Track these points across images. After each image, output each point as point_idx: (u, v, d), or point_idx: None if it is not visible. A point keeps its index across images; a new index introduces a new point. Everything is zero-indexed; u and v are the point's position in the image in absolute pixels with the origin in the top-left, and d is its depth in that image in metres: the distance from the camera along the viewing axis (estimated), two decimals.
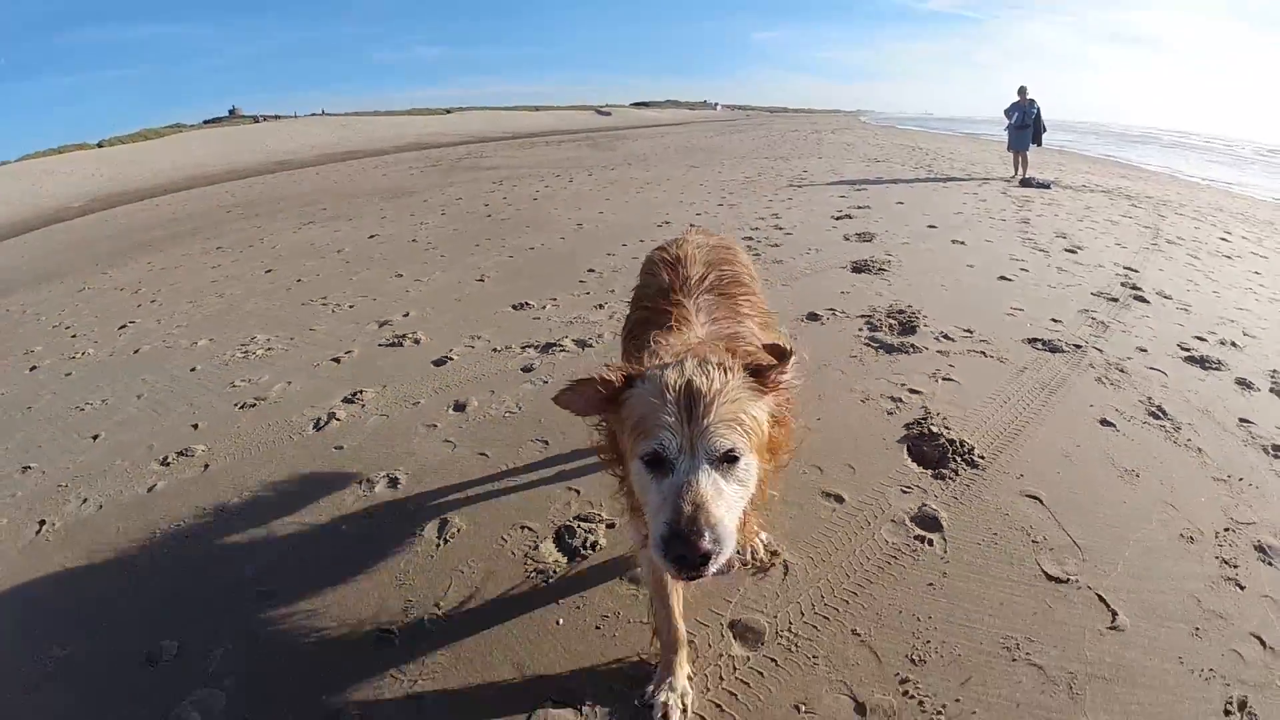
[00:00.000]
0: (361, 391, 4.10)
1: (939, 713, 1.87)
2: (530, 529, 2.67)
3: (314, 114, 58.94)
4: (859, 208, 9.56)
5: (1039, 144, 14.03)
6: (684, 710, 1.88)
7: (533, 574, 2.44)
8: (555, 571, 2.43)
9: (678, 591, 1.93)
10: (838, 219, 8.71)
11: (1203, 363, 4.36)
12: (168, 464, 3.55)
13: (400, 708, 1.95)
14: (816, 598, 2.28)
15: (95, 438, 4.08)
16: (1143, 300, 5.64)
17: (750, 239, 7.63)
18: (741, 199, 10.78)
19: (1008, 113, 13.94)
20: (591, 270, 6.33)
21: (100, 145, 43.84)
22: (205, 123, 56.73)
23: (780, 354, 1.51)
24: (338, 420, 3.76)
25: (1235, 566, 2.49)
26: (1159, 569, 2.45)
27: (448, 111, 60.55)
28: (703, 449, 1.36)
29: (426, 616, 2.26)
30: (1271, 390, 4.05)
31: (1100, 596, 2.31)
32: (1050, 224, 8.78)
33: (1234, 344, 4.76)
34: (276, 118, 56.46)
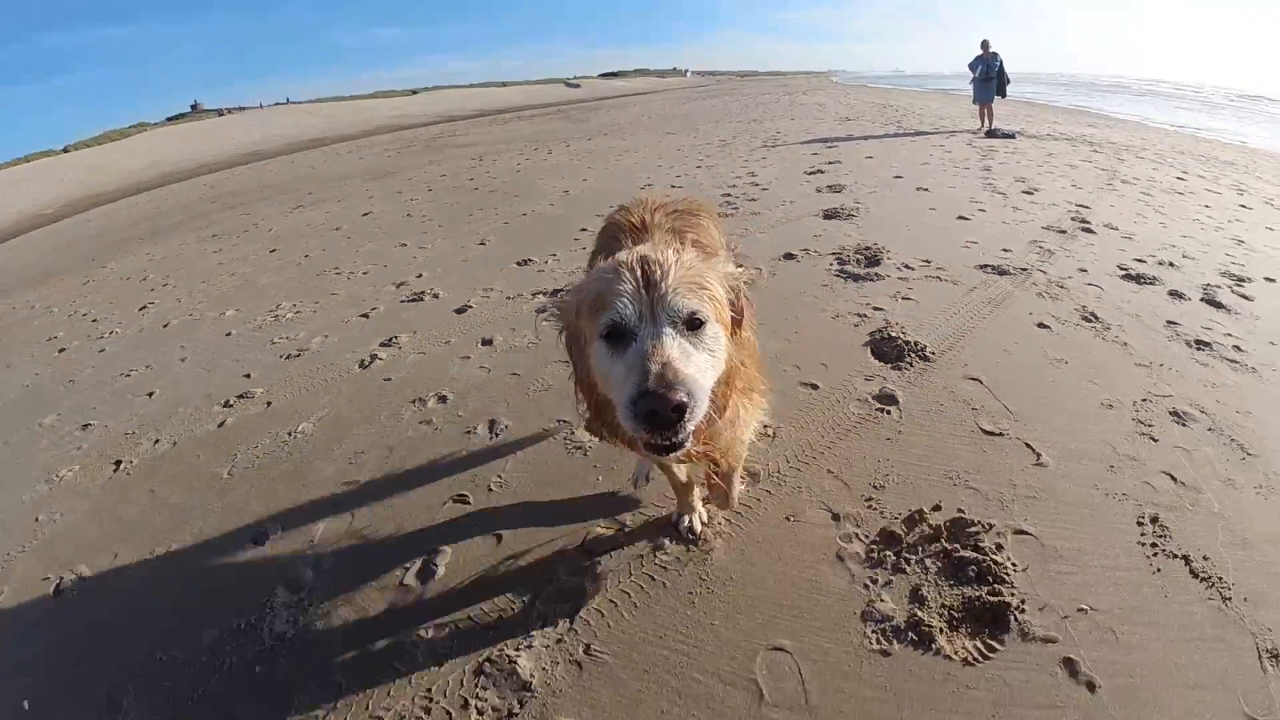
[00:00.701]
0: (395, 337, 4.66)
1: (895, 517, 2.50)
2: (566, 421, 3.27)
3: (278, 103, 58.22)
4: (830, 163, 10.13)
5: (1003, 95, 14.58)
6: (704, 523, 2.47)
7: (572, 450, 3.06)
8: (590, 447, 3.04)
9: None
10: (810, 174, 9.28)
11: (1138, 279, 5.01)
12: (230, 405, 4.09)
13: (483, 542, 2.55)
14: (798, 450, 2.90)
15: (150, 395, 4.58)
16: (1089, 231, 6.27)
17: (729, 195, 8.19)
18: (718, 161, 11.31)
19: (972, 66, 14.49)
20: (584, 230, 6.87)
21: (66, 150, 43.62)
22: (168, 120, 55.95)
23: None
24: (380, 360, 4.33)
25: (1150, 425, 3.12)
26: (1080, 426, 3.09)
27: (414, 92, 60.15)
28: (665, 312, 1.35)
29: (491, 483, 2.87)
30: (1202, 299, 4.67)
31: (1028, 444, 2.94)
32: (1011, 170, 9.39)
33: (1172, 264, 5.40)
34: (242, 109, 55.78)
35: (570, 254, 6.12)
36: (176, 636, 2.36)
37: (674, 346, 1.31)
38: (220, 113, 55.43)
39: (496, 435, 3.24)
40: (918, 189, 8.07)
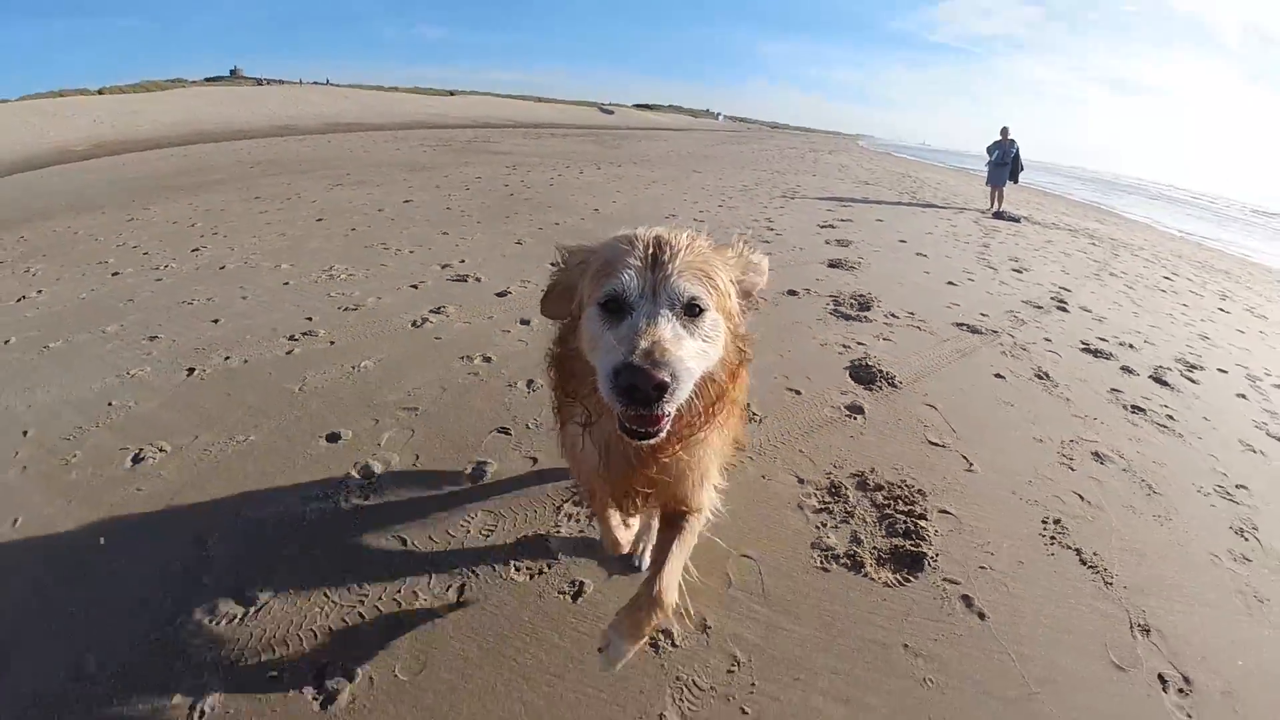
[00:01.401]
0: (443, 307, 5.35)
1: (848, 479, 3.19)
2: None
3: (317, 82, 59.59)
4: (842, 220, 10.98)
5: (1015, 181, 15.59)
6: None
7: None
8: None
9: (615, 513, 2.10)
10: (822, 227, 10.10)
11: (1096, 353, 5.76)
12: (295, 339, 4.75)
13: (521, 462, 3.23)
14: (778, 434, 3.61)
15: (215, 321, 5.22)
16: (1064, 309, 7.05)
17: (744, 235, 8.97)
18: (739, 203, 12.16)
19: (989, 150, 15.52)
20: None
21: (100, 92, 44.06)
22: (207, 80, 57.03)
23: None
24: (430, 323, 5.02)
25: (1071, 459, 3.82)
26: (1011, 450, 3.80)
27: (450, 94, 61.73)
28: (665, 294, 1.38)
29: (529, 422, 3.55)
30: (1150, 377, 5.39)
31: (964, 455, 3.64)
32: (1008, 250, 10.23)
33: (1132, 346, 6.15)
34: (281, 82, 57.12)
35: None
36: (258, 501, 2.97)
37: (668, 328, 1.32)
38: (259, 82, 56.74)
39: (533, 391, 3.92)
40: (917, 254, 8.87)
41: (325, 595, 2.42)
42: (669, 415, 1.35)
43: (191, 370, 4.31)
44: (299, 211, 9.83)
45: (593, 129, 44.01)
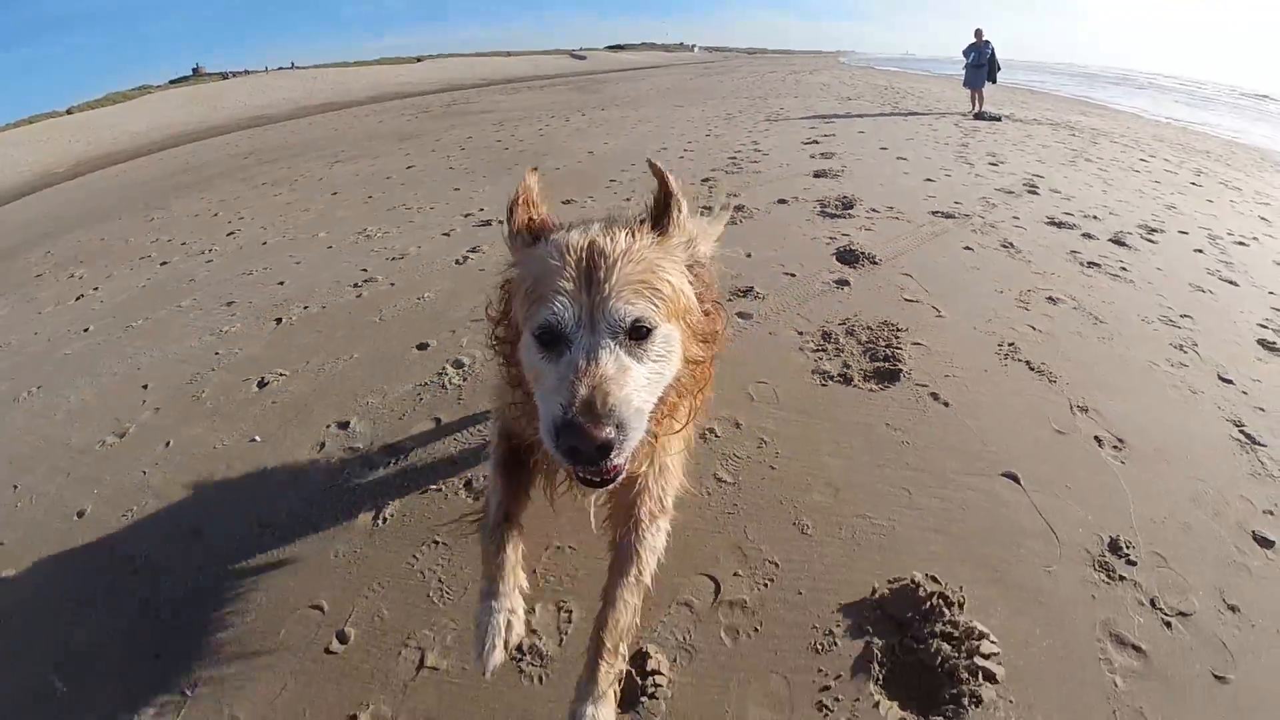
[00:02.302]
0: (477, 247, 6.18)
1: (837, 326, 4.05)
2: None
3: (282, 68, 59.16)
4: (825, 135, 11.64)
5: (994, 81, 16.06)
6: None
7: None
8: None
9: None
10: (806, 144, 10.78)
11: (1059, 224, 6.54)
12: (359, 286, 5.60)
13: None
14: (778, 308, 4.48)
15: (281, 283, 6.06)
16: (1034, 193, 7.80)
17: (734, 158, 9.69)
18: (725, 131, 12.79)
19: (965, 53, 15.96)
20: (613, 180, 8.37)
21: (70, 112, 43.81)
22: (171, 82, 56.65)
23: (663, 191, 1.53)
24: (471, 259, 5.86)
25: (1026, 303, 4.67)
26: (974, 300, 4.65)
27: (418, 60, 61.17)
28: (605, 320, 1.29)
29: None
30: (1110, 240, 6.17)
31: (934, 307, 4.50)
32: (986, 147, 10.91)
33: (1095, 217, 6.92)
34: (246, 73, 56.73)
35: (605, 196, 7.64)
36: (380, 393, 3.86)
37: (610, 362, 1.25)
38: (224, 76, 56.36)
39: None
40: (898, 158, 9.58)
41: (455, 440, 3.33)
42: (621, 465, 1.29)
43: (279, 320, 5.17)
44: (311, 189, 10.55)
45: (568, 77, 43.85)
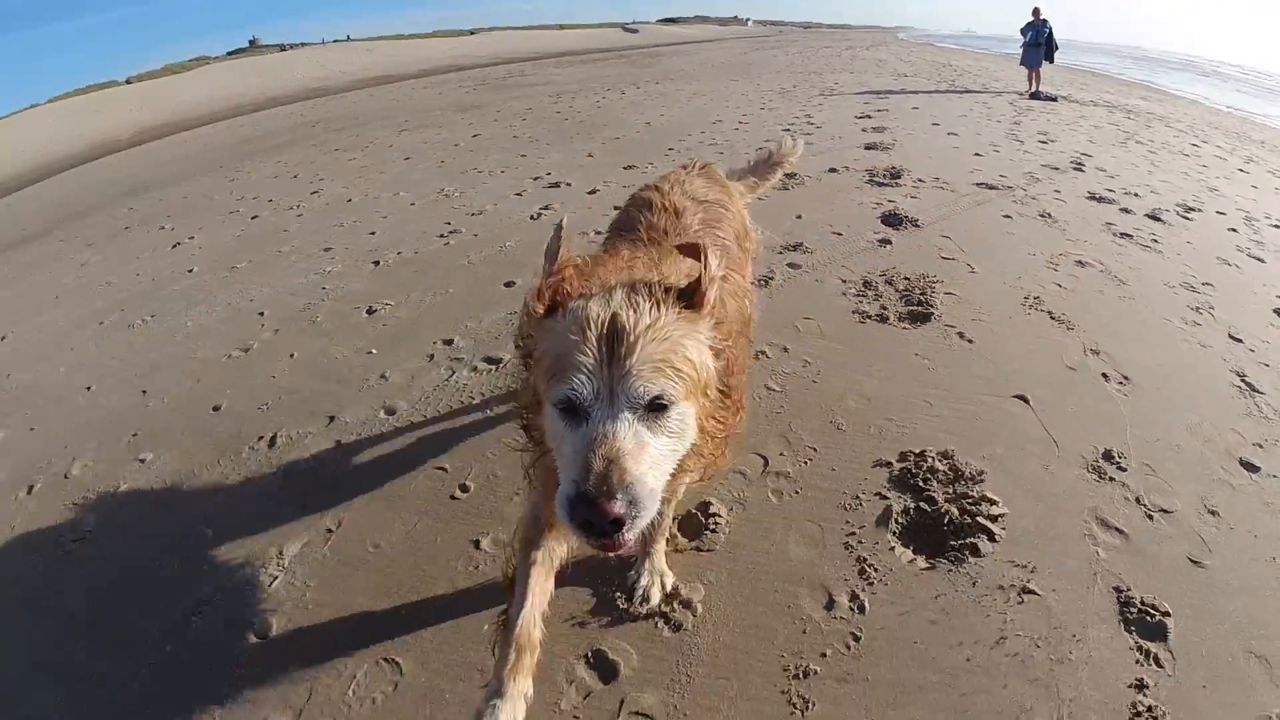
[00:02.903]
0: (549, 205, 6.84)
1: (878, 276, 4.58)
2: None
3: (338, 40, 60.67)
4: (879, 110, 11.96)
5: (1051, 61, 16.04)
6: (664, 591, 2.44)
7: None
8: None
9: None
10: (859, 118, 11.14)
11: (1099, 199, 6.89)
12: (445, 236, 6.29)
13: None
14: (825, 261, 5.01)
15: (372, 233, 6.79)
16: (1080, 170, 8.10)
17: (788, 130, 10.10)
18: (779, 105, 13.18)
19: (1023, 31, 15.98)
20: (671, 148, 8.93)
21: (129, 82, 46.00)
22: (229, 54, 58.51)
23: (694, 252, 1.51)
24: (544, 215, 6.52)
25: (1056, 265, 5.10)
26: (1007, 260, 5.11)
27: (471, 32, 62.14)
28: (624, 395, 1.32)
29: None
30: (1146, 215, 6.53)
31: (968, 264, 4.98)
32: (1038, 126, 11.11)
33: (1136, 194, 7.24)
34: (303, 45, 58.36)
35: (664, 162, 8.19)
36: (477, 319, 4.53)
37: (628, 437, 1.30)
38: (282, 48, 58.05)
39: None
40: (949, 133, 9.91)
41: None
42: (631, 541, 1.33)
43: (377, 262, 5.89)
44: (384, 155, 11.31)
45: (620, 50, 44.15)
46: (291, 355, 4.45)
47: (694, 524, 2.70)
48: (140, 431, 3.85)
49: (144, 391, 4.31)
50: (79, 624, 2.67)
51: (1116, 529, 2.73)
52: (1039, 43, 15.58)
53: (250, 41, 68.61)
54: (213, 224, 8.36)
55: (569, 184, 7.69)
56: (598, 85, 19.63)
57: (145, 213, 9.88)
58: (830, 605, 2.39)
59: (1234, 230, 6.39)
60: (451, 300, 4.87)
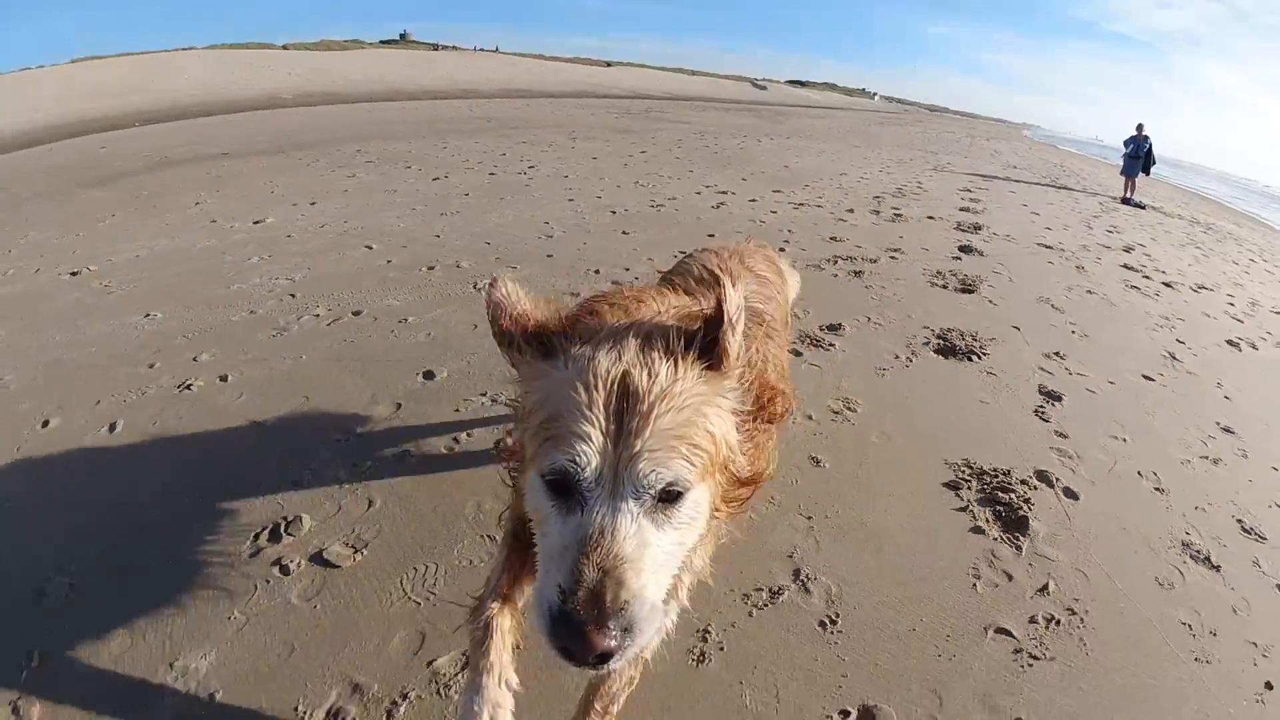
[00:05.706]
0: (723, 203, 9.96)
1: (942, 274, 7.47)
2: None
3: (486, 49, 66.90)
4: (980, 188, 14.83)
5: (1147, 173, 18.41)
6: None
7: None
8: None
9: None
10: (960, 191, 14.01)
11: (1131, 269, 9.49)
12: (654, 206, 9.40)
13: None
14: (907, 267, 7.92)
15: (598, 197, 9.95)
16: (1128, 251, 10.71)
17: (900, 189, 13.10)
18: (895, 171, 16.18)
19: (1125, 143, 18.52)
20: (807, 185, 12.02)
21: (285, 48, 51.32)
22: (382, 42, 65.17)
23: (716, 310, 1.29)
24: (723, 207, 9.63)
25: (1069, 291, 7.85)
26: (1038, 287, 7.88)
27: (608, 64, 67.57)
28: (630, 481, 1.14)
29: (800, 245, 8.07)
30: (1162, 283, 9.09)
31: (1009, 279, 7.80)
32: (1114, 222, 13.63)
33: (1162, 271, 9.81)
34: (455, 48, 64.69)
35: (803, 194, 11.25)
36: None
37: (630, 537, 1.12)
38: (434, 47, 64.47)
39: (799, 216, 8.43)
40: (1032, 212, 12.68)
41: None
42: (619, 668, 1.23)
43: (614, 211, 9.07)
44: (569, 153, 14.66)
45: (749, 104, 48.12)
46: (583, 244, 7.59)
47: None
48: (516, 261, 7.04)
49: (488, 243, 7.48)
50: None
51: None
52: (1138, 155, 18.02)
53: (401, 35, 75.68)
54: (458, 173, 11.59)
55: (733, 193, 10.84)
56: (734, 131, 23.04)
57: (375, 156, 12.88)
58: None
59: (1231, 304, 8.86)
60: (671, 242, 7.97)
